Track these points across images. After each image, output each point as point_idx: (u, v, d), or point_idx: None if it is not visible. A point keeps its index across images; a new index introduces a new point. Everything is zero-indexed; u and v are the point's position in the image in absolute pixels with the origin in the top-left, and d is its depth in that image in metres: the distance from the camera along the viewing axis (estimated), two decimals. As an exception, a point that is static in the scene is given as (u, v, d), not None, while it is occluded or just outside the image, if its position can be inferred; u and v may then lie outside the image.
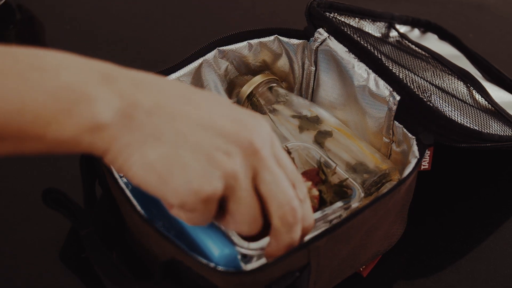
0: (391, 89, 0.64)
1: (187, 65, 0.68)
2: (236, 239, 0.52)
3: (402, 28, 0.78)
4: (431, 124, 0.61)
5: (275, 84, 0.72)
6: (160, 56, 0.87)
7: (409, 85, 0.64)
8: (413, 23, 0.79)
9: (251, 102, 0.71)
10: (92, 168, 0.62)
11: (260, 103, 0.71)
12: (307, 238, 0.52)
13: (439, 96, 0.66)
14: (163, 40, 0.90)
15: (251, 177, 0.47)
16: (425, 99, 0.62)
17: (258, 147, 0.46)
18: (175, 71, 0.67)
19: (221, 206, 0.48)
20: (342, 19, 0.71)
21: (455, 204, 0.71)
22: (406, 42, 0.75)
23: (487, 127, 0.65)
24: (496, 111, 0.69)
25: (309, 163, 0.65)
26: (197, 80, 0.69)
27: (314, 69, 0.72)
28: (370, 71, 0.66)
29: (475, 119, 0.65)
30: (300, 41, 0.71)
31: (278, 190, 0.47)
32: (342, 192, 0.60)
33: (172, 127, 0.45)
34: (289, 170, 0.48)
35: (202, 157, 0.45)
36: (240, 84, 0.73)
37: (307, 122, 0.68)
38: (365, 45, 0.67)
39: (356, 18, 0.73)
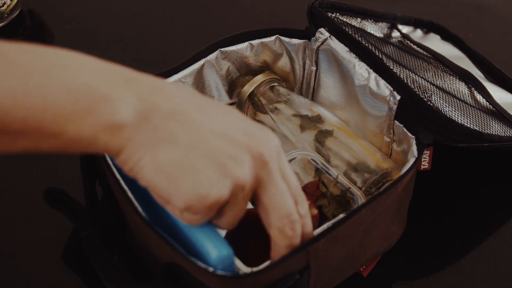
0: (391, 89, 0.64)
1: (189, 66, 0.68)
2: (241, 265, 0.53)
3: (405, 29, 0.78)
4: (431, 123, 0.61)
5: (276, 84, 0.72)
6: (160, 56, 0.87)
7: (409, 85, 0.64)
8: (415, 24, 0.79)
9: (253, 102, 0.71)
10: (93, 167, 0.62)
11: (261, 102, 0.71)
12: None
13: (440, 96, 0.66)
14: (163, 40, 0.90)
15: (254, 187, 0.48)
16: (425, 99, 0.62)
17: (267, 159, 0.47)
18: (177, 72, 0.67)
19: None
20: (344, 19, 0.71)
21: (455, 204, 0.71)
22: (408, 42, 0.75)
23: (487, 127, 0.65)
24: (497, 112, 0.69)
25: (310, 173, 0.65)
26: (199, 81, 0.69)
27: (315, 69, 0.72)
28: (371, 70, 0.66)
29: (476, 120, 0.65)
30: (301, 41, 0.71)
31: (280, 203, 0.48)
32: (345, 201, 0.60)
33: (186, 132, 0.46)
34: (293, 186, 0.50)
35: (213, 164, 0.46)
36: (241, 85, 0.73)
37: (309, 122, 0.68)
38: (366, 45, 0.67)
39: (358, 19, 0.73)
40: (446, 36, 0.82)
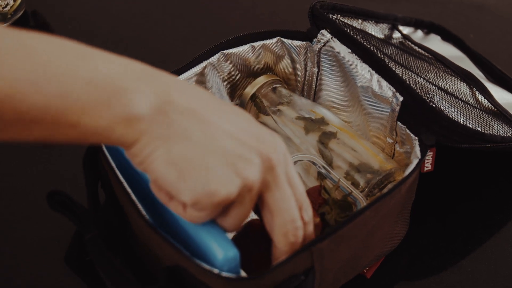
0: (394, 90, 0.64)
1: (191, 68, 0.68)
2: (243, 274, 0.53)
3: (405, 30, 0.78)
4: (434, 125, 0.61)
5: (278, 85, 0.72)
6: (161, 56, 0.87)
7: (412, 86, 0.64)
8: (416, 24, 0.79)
9: (255, 103, 0.71)
10: (95, 169, 0.62)
11: (263, 104, 0.71)
12: None
13: (442, 97, 0.66)
14: (163, 40, 0.90)
15: (261, 190, 0.49)
16: (427, 100, 0.62)
17: (275, 163, 0.48)
18: (179, 74, 0.67)
19: None
20: (345, 21, 0.71)
21: (456, 205, 0.71)
22: (409, 43, 0.75)
23: (489, 128, 0.65)
24: (499, 112, 0.69)
25: (313, 174, 0.65)
26: (201, 83, 0.69)
27: (316, 70, 0.72)
28: (373, 72, 0.66)
29: (478, 120, 0.65)
30: (303, 42, 0.71)
31: (285, 207, 0.49)
32: (347, 206, 0.60)
33: (201, 130, 0.46)
34: (298, 191, 0.50)
35: (225, 162, 0.46)
36: (242, 87, 0.73)
37: (312, 124, 0.68)
38: (368, 46, 0.67)
39: (359, 20, 0.73)
40: (447, 36, 0.82)
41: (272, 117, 0.70)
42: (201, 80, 0.69)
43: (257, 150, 0.48)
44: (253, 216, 0.59)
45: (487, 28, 0.94)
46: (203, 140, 0.46)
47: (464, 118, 0.64)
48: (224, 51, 0.70)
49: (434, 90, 0.67)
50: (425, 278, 0.65)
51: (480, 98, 0.70)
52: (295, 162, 0.65)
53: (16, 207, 0.69)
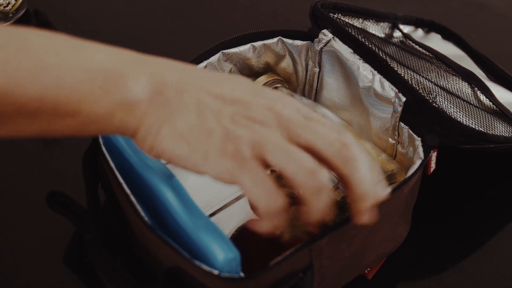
0: (396, 91, 0.64)
1: (191, 67, 0.68)
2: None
3: (406, 28, 0.78)
4: (437, 125, 0.61)
5: (279, 85, 0.71)
6: (161, 56, 0.86)
7: (414, 86, 0.64)
8: (416, 23, 0.79)
9: (255, 104, 0.71)
10: (95, 169, 0.61)
11: (264, 104, 0.70)
12: None
13: (444, 97, 0.65)
14: (164, 40, 0.90)
15: (284, 135, 0.46)
16: (430, 101, 0.62)
17: (279, 109, 0.47)
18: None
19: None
20: (346, 20, 0.71)
21: (458, 206, 0.70)
22: (410, 42, 0.75)
23: (491, 128, 0.65)
24: (501, 112, 0.69)
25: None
26: (201, 83, 0.69)
27: (318, 70, 0.72)
28: (375, 72, 0.66)
29: (480, 121, 0.65)
30: (304, 42, 0.71)
31: (319, 134, 0.47)
32: (346, 206, 0.60)
33: (195, 98, 0.46)
34: (327, 123, 0.48)
35: (224, 122, 0.46)
36: (243, 86, 0.72)
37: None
38: (370, 46, 0.67)
39: (360, 19, 0.73)
40: (447, 35, 0.82)
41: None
42: (201, 80, 0.69)
43: (255, 103, 0.47)
44: (252, 216, 0.59)
45: (489, 27, 0.94)
46: (198, 108, 0.46)
47: (467, 118, 0.64)
48: (225, 51, 0.69)
49: (436, 90, 0.66)
50: (426, 279, 0.64)
51: (482, 97, 0.70)
52: None
53: (16, 208, 0.69)
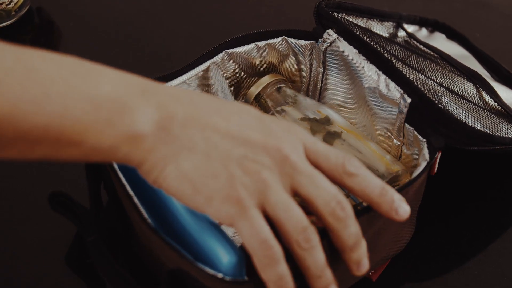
0: (402, 92, 0.64)
1: (194, 67, 0.67)
2: None
3: (410, 28, 0.77)
4: (443, 127, 0.61)
5: (283, 85, 0.71)
6: (164, 55, 0.86)
7: (420, 87, 0.63)
8: (421, 23, 0.79)
9: (259, 103, 0.71)
10: (98, 170, 0.61)
11: (267, 104, 0.70)
12: None
13: (450, 98, 0.65)
14: (167, 39, 0.89)
15: (287, 183, 0.47)
16: (436, 102, 0.62)
17: (286, 153, 0.47)
18: (183, 74, 0.67)
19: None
20: (350, 19, 0.71)
21: (461, 207, 0.70)
22: (414, 42, 0.75)
23: (497, 129, 0.65)
24: (506, 113, 0.69)
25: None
26: (204, 83, 0.69)
27: (322, 70, 0.72)
28: (381, 73, 0.66)
29: (486, 122, 0.65)
30: (308, 42, 0.71)
31: (318, 189, 0.48)
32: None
33: (202, 137, 0.46)
34: (331, 159, 0.49)
35: (231, 166, 0.46)
36: (247, 86, 0.72)
37: (318, 124, 0.68)
38: (375, 46, 0.67)
39: (364, 18, 0.73)
40: (452, 35, 0.81)
41: (277, 117, 0.69)
42: (204, 79, 0.69)
43: (263, 145, 0.47)
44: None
45: (493, 27, 0.93)
46: (206, 148, 0.46)
47: (472, 119, 0.64)
48: (228, 50, 0.69)
49: (442, 91, 0.66)
50: (431, 281, 0.64)
51: (487, 98, 0.69)
52: None
53: (17, 208, 0.69)
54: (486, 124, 0.64)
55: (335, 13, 0.70)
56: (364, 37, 0.68)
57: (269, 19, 0.93)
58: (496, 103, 0.69)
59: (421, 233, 0.66)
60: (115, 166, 0.57)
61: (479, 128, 0.63)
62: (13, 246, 0.65)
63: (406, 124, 0.64)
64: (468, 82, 0.70)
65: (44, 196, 0.61)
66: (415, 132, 0.63)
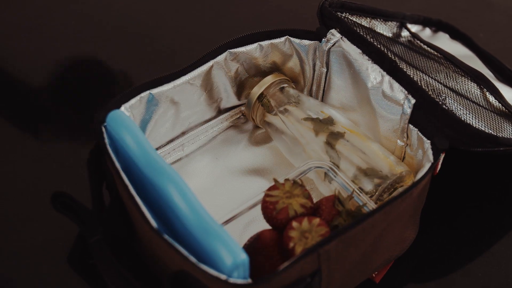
0: (406, 92, 0.64)
1: (197, 67, 0.67)
2: None
3: (414, 28, 0.77)
4: (447, 128, 0.61)
5: (286, 85, 0.71)
6: (167, 55, 0.87)
7: (424, 88, 0.63)
8: (424, 22, 0.79)
9: (262, 103, 0.70)
10: (100, 170, 0.61)
11: (270, 104, 0.70)
12: None
13: (454, 99, 0.65)
14: (170, 39, 0.89)
15: None
16: (440, 103, 0.62)
17: None
18: (185, 74, 0.67)
19: None
20: (354, 19, 0.71)
21: (465, 208, 0.70)
22: (418, 42, 0.75)
23: (501, 130, 0.64)
24: (510, 114, 0.68)
25: (327, 181, 0.65)
26: (207, 83, 0.69)
27: (325, 70, 0.71)
28: (384, 73, 0.66)
29: (490, 123, 0.64)
30: (312, 42, 0.70)
31: None
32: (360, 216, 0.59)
33: None
34: None
35: None
36: (250, 86, 0.72)
37: (321, 124, 0.67)
38: (379, 46, 0.67)
39: (368, 18, 0.72)
40: (455, 35, 0.81)
41: (280, 117, 0.69)
42: (207, 79, 0.68)
43: None
44: (265, 226, 0.59)
45: (497, 27, 0.93)
46: None
47: (476, 120, 0.64)
48: (231, 50, 0.69)
49: (446, 91, 0.66)
50: (434, 282, 0.64)
51: (491, 99, 0.69)
52: (311, 170, 0.64)
53: (20, 208, 0.69)
54: (490, 125, 0.64)
55: (339, 13, 0.70)
56: (368, 37, 0.67)
57: (272, 19, 0.93)
58: (500, 104, 0.69)
59: (425, 235, 0.66)
60: (118, 166, 0.56)
61: (483, 129, 0.62)
62: (15, 246, 0.65)
63: (410, 125, 0.64)
64: (472, 83, 0.70)
65: (47, 196, 0.61)
66: (419, 133, 0.63)
